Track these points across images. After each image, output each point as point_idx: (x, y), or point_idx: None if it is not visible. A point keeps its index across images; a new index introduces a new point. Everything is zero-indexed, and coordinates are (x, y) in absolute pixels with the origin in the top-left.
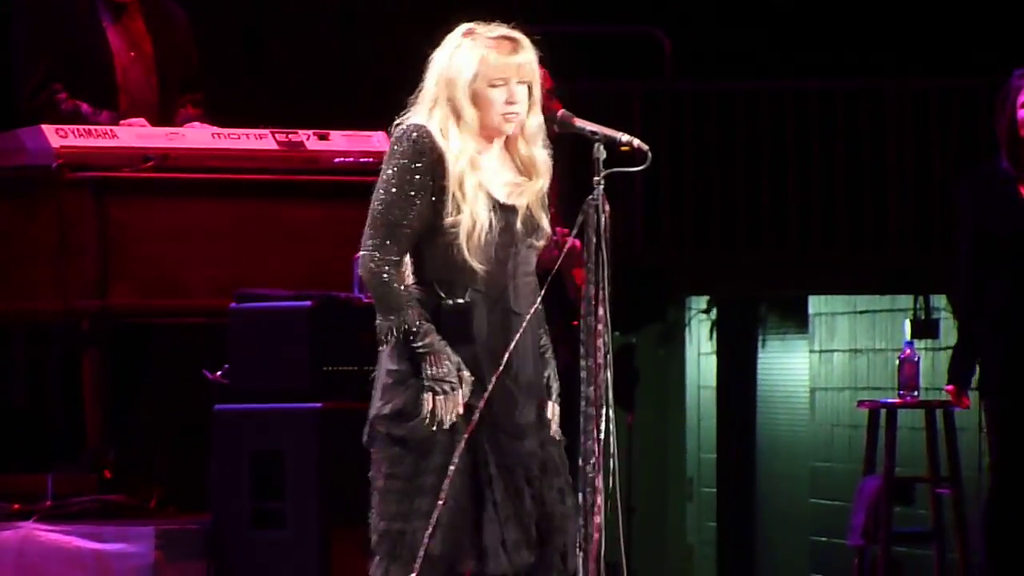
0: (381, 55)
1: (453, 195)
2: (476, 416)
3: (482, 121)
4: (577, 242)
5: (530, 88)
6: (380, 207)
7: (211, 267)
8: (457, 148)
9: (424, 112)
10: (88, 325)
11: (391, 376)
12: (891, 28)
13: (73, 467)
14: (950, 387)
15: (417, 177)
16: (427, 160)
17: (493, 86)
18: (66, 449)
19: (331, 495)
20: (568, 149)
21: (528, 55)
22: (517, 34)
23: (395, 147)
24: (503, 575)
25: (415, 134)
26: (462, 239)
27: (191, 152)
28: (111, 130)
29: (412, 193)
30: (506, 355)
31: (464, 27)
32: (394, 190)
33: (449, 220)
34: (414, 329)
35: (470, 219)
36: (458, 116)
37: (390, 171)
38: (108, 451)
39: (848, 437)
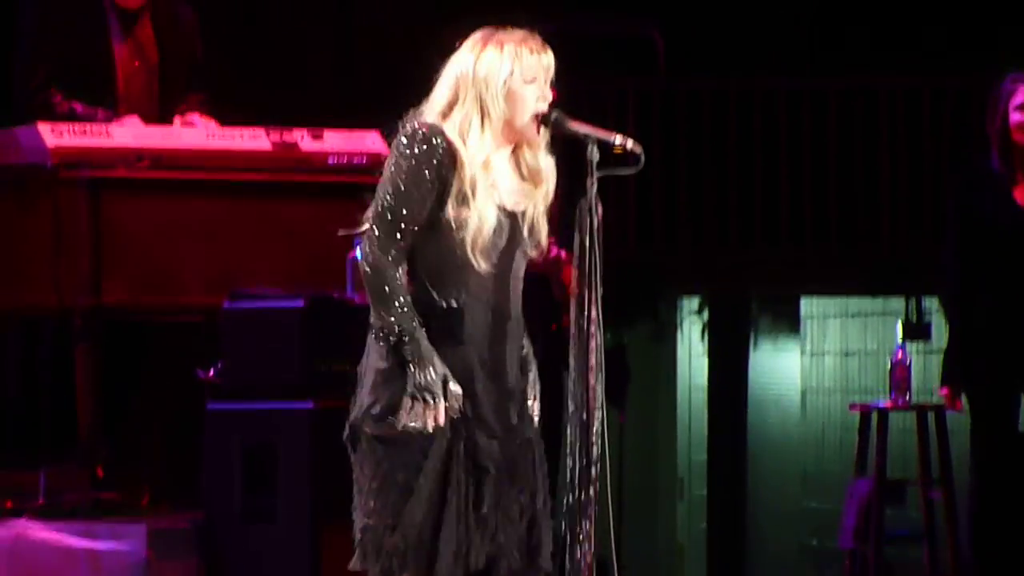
0: (378, 53)
1: (462, 194)
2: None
3: (510, 121)
4: (563, 253)
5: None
6: (389, 202)
7: (204, 265)
8: (474, 148)
9: (436, 114)
10: (81, 322)
11: (379, 375)
12: (884, 27)
13: (65, 464)
14: (944, 389)
15: (429, 176)
16: (439, 160)
17: (527, 83)
18: (58, 446)
19: (322, 491)
20: (560, 149)
21: (551, 56)
22: (537, 35)
23: (407, 144)
24: None
25: (429, 133)
26: (468, 238)
27: (185, 151)
28: (106, 129)
29: (423, 191)
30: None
31: (483, 31)
32: (403, 187)
33: (452, 214)
34: (405, 331)
35: (477, 219)
36: (484, 115)
37: (402, 167)
38: (100, 448)
39: (839, 439)
